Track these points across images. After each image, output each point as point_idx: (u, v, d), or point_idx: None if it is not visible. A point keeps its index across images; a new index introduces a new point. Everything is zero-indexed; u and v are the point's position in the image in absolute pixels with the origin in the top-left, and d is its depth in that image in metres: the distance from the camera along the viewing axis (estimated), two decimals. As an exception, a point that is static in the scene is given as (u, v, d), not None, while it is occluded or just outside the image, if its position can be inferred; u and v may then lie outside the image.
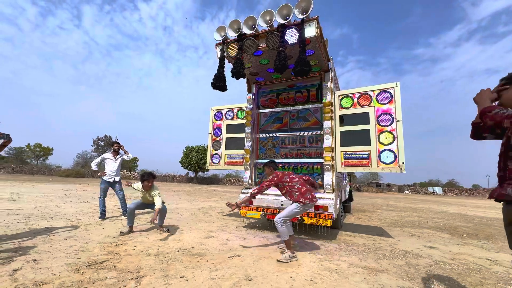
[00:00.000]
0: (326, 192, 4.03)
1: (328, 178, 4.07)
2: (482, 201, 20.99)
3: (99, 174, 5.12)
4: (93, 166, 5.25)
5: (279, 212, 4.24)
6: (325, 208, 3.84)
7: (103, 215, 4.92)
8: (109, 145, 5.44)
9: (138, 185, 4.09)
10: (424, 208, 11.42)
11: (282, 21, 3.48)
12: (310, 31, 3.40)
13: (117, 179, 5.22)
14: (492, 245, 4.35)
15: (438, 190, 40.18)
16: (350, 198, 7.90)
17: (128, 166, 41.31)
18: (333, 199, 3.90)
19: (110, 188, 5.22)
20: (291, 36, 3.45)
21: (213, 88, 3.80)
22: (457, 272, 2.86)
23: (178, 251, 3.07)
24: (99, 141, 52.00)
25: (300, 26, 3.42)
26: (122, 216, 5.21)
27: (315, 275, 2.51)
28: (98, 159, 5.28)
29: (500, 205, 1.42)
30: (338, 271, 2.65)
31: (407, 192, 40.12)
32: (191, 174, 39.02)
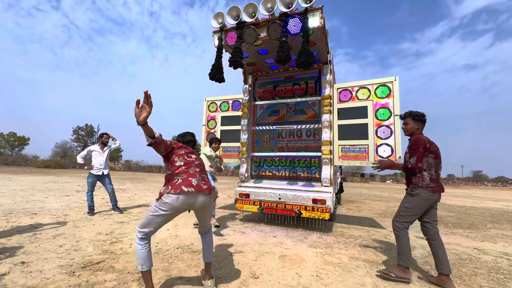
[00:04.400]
0: (324, 186, 4.04)
1: (326, 172, 4.06)
2: (458, 190, 22.25)
3: (86, 167, 4.84)
4: (79, 159, 4.95)
5: (276, 206, 4.21)
6: (323, 201, 3.86)
7: (91, 210, 4.69)
8: (99, 137, 5.15)
9: (207, 148, 4.17)
10: (408, 198, 11.90)
11: (285, 10, 3.31)
12: (314, 21, 3.27)
13: (105, 172, 4.97)
14: (476, 234, 4.59)
15: (417, 180, 42.13)
16: (341, 190, 8.06)
17: (112, 156, 40.05)
18: (330, 192, 3.91)
19: (98, 182, 4.98)
20: (294, 26, 3.31)
21: (212, 80, 3.62)
22: (451, 263, 2.96)
23: (177, 248, 2.98)
24: (80, 131, 49.71)
25: (303, 15, 3.28)
26: (112, 211, 5.01)
27: (320, 270, 2.52)
28: (84, 152, 4.98)
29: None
30: (341, 265, 2.68)
31: (389, 182, 41.82)
32: (178, 165, 38.30)
